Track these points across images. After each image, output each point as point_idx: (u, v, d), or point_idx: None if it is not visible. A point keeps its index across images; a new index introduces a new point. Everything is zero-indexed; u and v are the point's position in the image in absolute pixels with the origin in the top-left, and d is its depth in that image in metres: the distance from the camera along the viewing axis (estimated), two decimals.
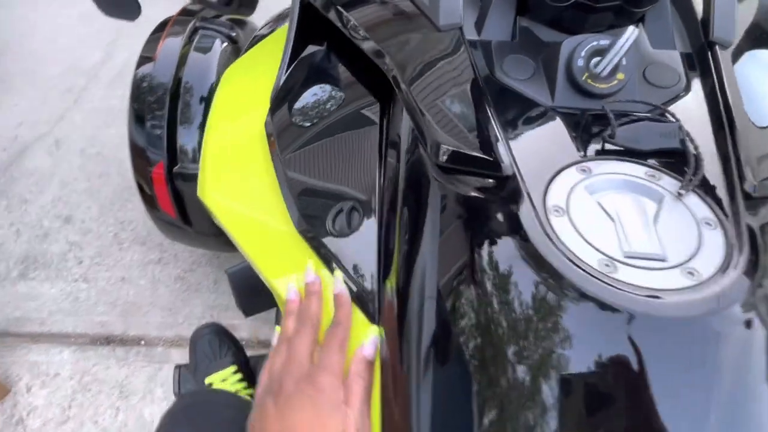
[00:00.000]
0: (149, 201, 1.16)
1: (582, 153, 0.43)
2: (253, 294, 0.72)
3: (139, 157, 1.11)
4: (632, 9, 0.46)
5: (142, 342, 1.33)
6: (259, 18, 1.34)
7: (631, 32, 0.43)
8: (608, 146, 0.43)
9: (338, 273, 0.46)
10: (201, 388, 0.85)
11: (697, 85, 0.49)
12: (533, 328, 0.33)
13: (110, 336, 1.34)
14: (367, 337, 0.43)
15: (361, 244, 0.47)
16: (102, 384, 1.25)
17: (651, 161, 0.42)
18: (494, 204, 0.39)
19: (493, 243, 0.37)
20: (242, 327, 1.30)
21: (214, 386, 0.85)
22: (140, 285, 1.44)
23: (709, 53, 0.50)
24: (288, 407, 0.39)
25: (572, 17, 0.48)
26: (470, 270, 0.36)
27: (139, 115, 1.12)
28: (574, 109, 0.46)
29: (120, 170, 1.73)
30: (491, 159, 0.42)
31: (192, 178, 1.09)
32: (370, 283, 0.44)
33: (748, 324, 0.32)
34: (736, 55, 0.52)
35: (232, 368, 0.88)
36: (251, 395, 0.82)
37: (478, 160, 0.42)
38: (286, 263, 0.50)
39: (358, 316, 0.44)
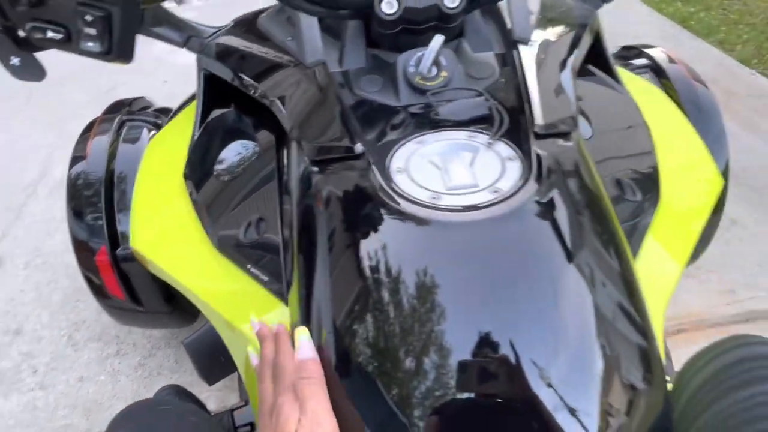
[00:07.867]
0: (98, 291, 1.19)
1: (420, 131, 0.57)
2: (213, 360, 0.77)
3: (82, 249, 1.16)
4: (444, 26, 0.62)
5: None
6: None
7: (435, 40, 0.58)
8: (439, 122, 0.58)
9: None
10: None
11: (507, 73, 0.65)
12: (386, 256, 0.45)
13: None
14: (297, 341, 0.48)
15: (269, 244, 0.60)
16: None
17: (472, 127, 0.56)
18: (353, 177, 0.52)
19: (354, 202, 0.50)
20: (209, 399, 1.31)
21: None
22: (100, 380, 1.42)
23: (515, 50, 0.64)
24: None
25: (405, 40, 0.63)
26: (338, 228, 0.49)
27: (77, 211, 1.17)
28: (416, 105, 0.61)
29: (68, 273, 1.74)
30: (347, 145, 0.54)
31: (135, 258, 1.14)
32: (280, 275, 0.57)
33: (542, 217, 0.46)
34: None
35: None
36: None
37: (336, 149, 0.55)
38: (214, 281, 0.62)
39: (274, 302, 0.57)
